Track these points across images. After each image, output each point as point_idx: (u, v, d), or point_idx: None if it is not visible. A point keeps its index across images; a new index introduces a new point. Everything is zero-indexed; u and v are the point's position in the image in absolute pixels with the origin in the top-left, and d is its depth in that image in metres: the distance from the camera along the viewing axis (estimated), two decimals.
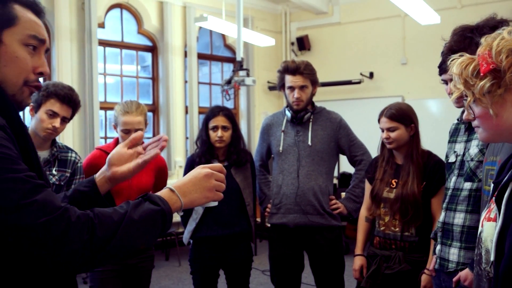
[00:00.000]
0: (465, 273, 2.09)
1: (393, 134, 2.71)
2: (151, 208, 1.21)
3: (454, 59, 1.36)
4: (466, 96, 1.32)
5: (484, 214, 1.40)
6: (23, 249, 1.06)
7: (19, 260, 1.11)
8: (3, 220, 1.03)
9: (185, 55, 7.06)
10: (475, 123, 1.35)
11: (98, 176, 1.47)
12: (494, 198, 1.29)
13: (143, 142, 1.56)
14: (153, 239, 1.24)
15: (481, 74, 1.26)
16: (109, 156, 1.49)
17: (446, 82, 2.27)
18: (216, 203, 1.38)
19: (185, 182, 1.32)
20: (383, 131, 2.76)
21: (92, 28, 5.93)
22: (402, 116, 2.71)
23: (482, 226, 1.38)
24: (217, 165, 1.38)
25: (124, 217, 1.15)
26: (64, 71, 5.80)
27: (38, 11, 1.27)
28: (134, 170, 1.47)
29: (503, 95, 1.26)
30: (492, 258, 1.24)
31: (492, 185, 1.46)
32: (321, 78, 3.36)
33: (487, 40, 1.29)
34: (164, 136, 1.51)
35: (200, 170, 1.34)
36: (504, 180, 1.26)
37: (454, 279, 2.15)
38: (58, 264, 1.08)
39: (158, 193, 1.28)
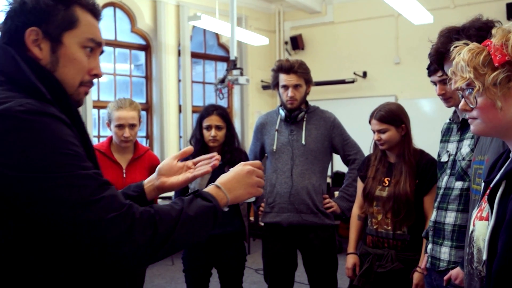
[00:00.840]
0: (456, 272, 2.10)
1: (384, 136, 2.72)
2: (204, 205, 1.25)
3: (458, 46, 1.35)
4: (468, 86, 1.31)
5: (475, 213, 1.40)
6: (89, 244, 1.09)
7: (79, 255, 1.14)
8: (72, 215, 1.07)
9: (179, 54, 7.05)
10: (472, 114, 1.33)
11: (146, 183, 1.52)
12: (486, 197, 1.29)
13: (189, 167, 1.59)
14: (206, 235, 1.27)
15: (496, 65, 1.25)
16: (159, 166, 1.54)
17: (435, 83, 2.29)
18: (254, 198, 1.44)
19: (229, 179, 1.37)
20: (374, 132, 2.77)
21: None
22: (392, 117, 2.72)
23: (473, 225, 1.38)
24: (257, 162, 1.43)
25: (181, 213, 1.20)
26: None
27: (96, 14, 1.30)
28: (182, 183, 1.53)
29: (511, 88, 1.25)
30: (484, 257, 1.24)
31: (482, 183, 1.46)
32: (315, 77, 3.37)
33: (499, 32, 1.28)
34: (217, 155, 1.57)
35: (243, 167, 1.40)
36: (496, 179, 1.26)
37: (445, 277, 2.17)
38: (123, 259, 1.12)
39: (206, 190, 1.32)
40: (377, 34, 7.52)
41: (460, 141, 2.25)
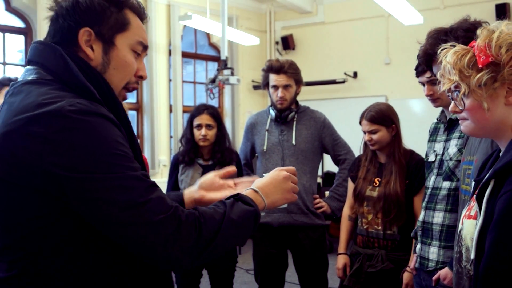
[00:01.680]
0: (444, 272, 2.11)
1: (375, 136, 2.73)
2: (246, 209, 1.26)
3: (445, 48, 1.35)
4: (456, 88, 1.31)
5: (464, 212, 1.41)
6: (137, 246, 1.10)
7: (127, 256, 1.16)
8: (121, 217, 1.07)
9: (169, 53, 7.03)
10: (462, 115, 1.33)
11: (186, 193, 1.53)
12: (475, 196, 1.29)
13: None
14: (246, 239, 1.28)
15: (480, 66, 1.25)
16: (201, 179, 1.56)
17: (423, 84, 2.30)
18: (286, 204, 1.44)
19: (266, 183, 1.37)
20: (365, 133, 2.78)
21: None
22: (382, 118, 2.73)
23: (462, 223, 1.39)
24: (291, 168, 1.43)
25: (224, 217, 1.19)
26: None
27: (143, 18, 1.33)
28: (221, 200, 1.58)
29: (497, 89, 1.26)
30: (472, 256, 1.24)
31: (472, 183, 1.46)
32: (305, 77, 3.37)
33: (483, 32, 1.28)
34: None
35: (279, 172, 1.40)
36: (485, 178, 1.26)
37: (434, 277, 2.17)
38: (170, 260, 1.12)
39: (245, 193, 1.32)
40: (367, 34, 7.54)
41: (447, 140, 2.26)
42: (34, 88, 1.15)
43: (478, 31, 1.30)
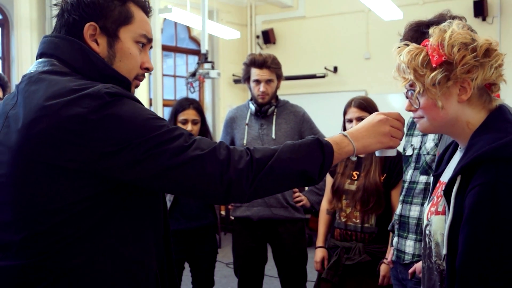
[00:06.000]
0: (420, 265, 2.14)
1: None
2: (308, 138, 1.29)
3: (400, 47, 1.36)
4: (411, 86, 1.33)
5: (428, 208, 1.42)
6: (196, 183, 1.16)
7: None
8: (176, 161, 1.14)
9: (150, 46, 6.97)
10: (418, 113, 1.36)
11: None
12: (442, 191, 1.30)
13: None
14: (311, 164, 1.25)
15: (433, 65, 1.27)
16: None
17: None
18: (394, 153, 1.39)
19: (358, 127, 1.36)
20: (351, 122, 2.77)
21: (53, 18, 5.76)
22: (370, 106, 2.76)
23: (427, 219, 1.40)
24: (395, 112, 1.39)
25: (281, 146, 1.25)
26: (24, 61, 5.63)
27: (147, 11, 1.36)
28: None
29: (450, 87, 1.28)
30: (444, 252, 1.26)
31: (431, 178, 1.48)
32: (286, 71, 3.38)
33: (436, 32, 1.30)
34: None
35: (375, 116, 1.38)
36: (452, 175, 1.27)
37: (410, 270, 2.20)
38: (229, 186, 1.17)
39: (330, 137, 1.33)
40: (347, 29, 7.58)
41: (424, 135, 2.28)
42: (57, 77, 1.19)
43: (431, 30, 1.32)
